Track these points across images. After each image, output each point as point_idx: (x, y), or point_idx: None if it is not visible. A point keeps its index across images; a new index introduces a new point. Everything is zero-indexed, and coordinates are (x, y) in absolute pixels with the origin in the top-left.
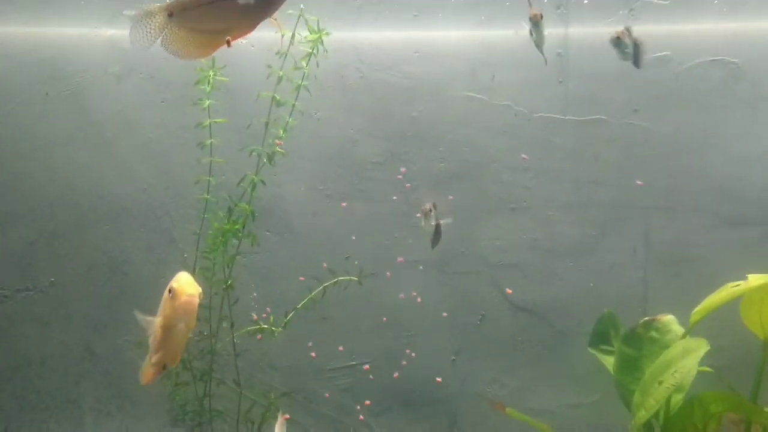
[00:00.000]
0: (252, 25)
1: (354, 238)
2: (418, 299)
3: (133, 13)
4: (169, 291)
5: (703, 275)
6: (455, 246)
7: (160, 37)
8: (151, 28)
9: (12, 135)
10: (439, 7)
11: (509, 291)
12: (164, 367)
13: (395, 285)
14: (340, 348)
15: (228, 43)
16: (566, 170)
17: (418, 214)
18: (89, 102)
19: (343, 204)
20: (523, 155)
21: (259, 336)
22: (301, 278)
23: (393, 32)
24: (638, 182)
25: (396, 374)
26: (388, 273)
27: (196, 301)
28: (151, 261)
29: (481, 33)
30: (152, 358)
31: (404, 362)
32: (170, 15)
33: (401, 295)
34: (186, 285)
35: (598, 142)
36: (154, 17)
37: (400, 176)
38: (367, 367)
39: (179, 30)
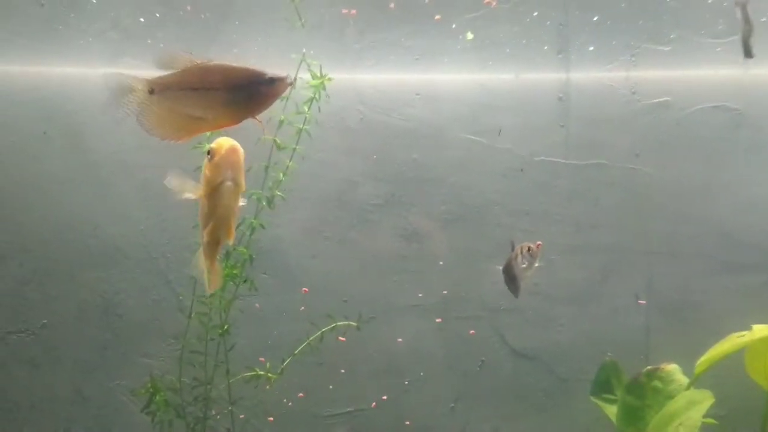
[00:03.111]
0: (235, 121)
1: (353, 281)
2: (417, 345)
3: (112, 83)
4: (208, 153)
5: (706, 322)
6: (455, 290)
7: (137, 112)
8: (129, 102)
9: (8, 173)
10: (441, 52)
11: None
12: (218, 243)
13: (394, 329)
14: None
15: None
16: (567, 214)
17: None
18: (87, 142)
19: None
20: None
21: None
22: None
23: (394, 75)
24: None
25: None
26: (386, 317)
27: (241, 151)
28: (146, 303)
29: (483, 77)
30: (203, 235)
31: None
32: (151, 92)
33: (399, 340)
34: (225, 140)
35: (599, 187)
36: (134, 92)
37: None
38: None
39: (158, 108)
